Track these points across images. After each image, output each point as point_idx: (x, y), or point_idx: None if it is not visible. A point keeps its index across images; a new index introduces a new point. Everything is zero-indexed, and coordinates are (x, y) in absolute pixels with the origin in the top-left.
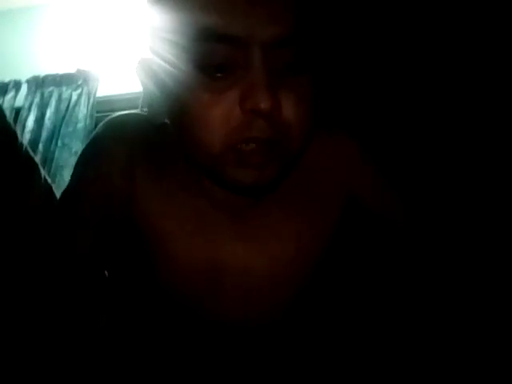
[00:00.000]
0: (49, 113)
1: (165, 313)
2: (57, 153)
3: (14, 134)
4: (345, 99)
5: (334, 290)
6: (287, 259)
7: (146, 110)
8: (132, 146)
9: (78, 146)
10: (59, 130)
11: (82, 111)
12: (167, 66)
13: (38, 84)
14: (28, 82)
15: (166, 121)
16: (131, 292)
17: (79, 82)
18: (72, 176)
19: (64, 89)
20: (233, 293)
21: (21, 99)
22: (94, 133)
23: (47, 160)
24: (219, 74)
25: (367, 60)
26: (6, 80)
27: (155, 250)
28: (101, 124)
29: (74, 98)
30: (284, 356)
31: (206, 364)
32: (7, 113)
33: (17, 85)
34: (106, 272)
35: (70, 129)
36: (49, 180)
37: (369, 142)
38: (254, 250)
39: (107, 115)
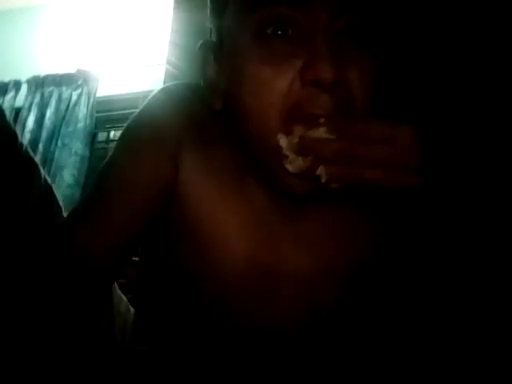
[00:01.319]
0: (49, 113)
1: (197, 313)
2: (57, 153)
3: (14, 134)
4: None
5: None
6: (343, 264)
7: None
8: (183, 128)
9: (77, 146)
10: (59, 130)
11: (82, 111)
12: (226, 40)
13: (38, 84)
14: (28, 81)
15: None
16: (163, 289)
17: (79, 82)
18: (109, 159)
19: (64, 89)
20: (278, 299)
21: (21, 99)
22: (147, 102)
23: (47, 160)
24: (278, 42)
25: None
26: (6, 80)
27: (196, 244)
28: (153, 96)
29: (74, 97)
30: (319, 367)
31: (240, 368)
32: (7, 113)
33: (17, 85)
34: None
35: (70, 129)
36: (49, 180)
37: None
38: (308, 255)
39: (107, 115)
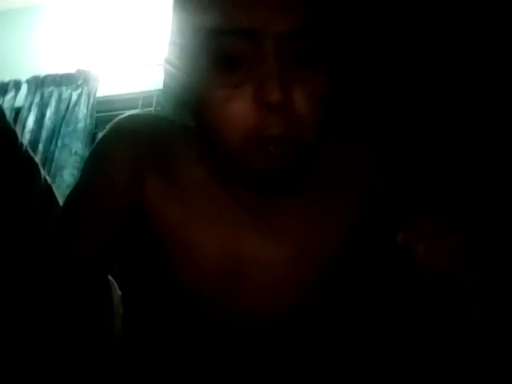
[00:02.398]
0: (49, 113)
1: (176, 311)
2: (57, 153)
3: (14, 134)
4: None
5: (347, 293)
6: (309, 256)
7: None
8: (139, 146)
9: (77, 146)
10: (59, 130)
11: (82, 111)
12: (186, 64)
13: (38, 84)
14: (28, 82)
15: (188, 118)
16: (142, 289)
17: (79, 82)
18: (78, 180)
19: (64, 89)
20: (250, 289)
21: (21, 99)
22: (101, 135)
23: (47, 160)
24: (233, 69)
25: (371, 59)
26: (6, 80)
27: (169, 245)
28: (108, 126)
29: (74, 97)
30: (294, 357)
31: (215, 364)
32: (7, 113)
33: (17, 85)
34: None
35: (70, 129)
36: (49, 180)
37: (384, 146)
38: (275, 245)
39: (107, 115)
